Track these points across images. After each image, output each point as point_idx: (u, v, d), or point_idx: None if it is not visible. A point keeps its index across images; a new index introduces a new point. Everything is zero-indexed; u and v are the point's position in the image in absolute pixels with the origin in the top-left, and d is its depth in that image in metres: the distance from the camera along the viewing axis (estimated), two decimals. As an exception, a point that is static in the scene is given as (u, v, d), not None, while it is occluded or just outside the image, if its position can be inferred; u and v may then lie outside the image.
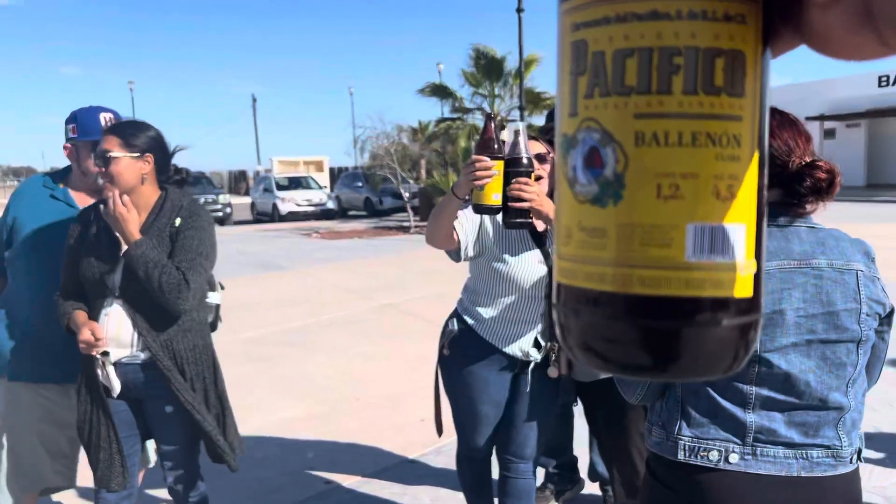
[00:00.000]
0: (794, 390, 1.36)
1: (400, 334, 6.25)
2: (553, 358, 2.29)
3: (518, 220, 2.02)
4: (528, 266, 2.22)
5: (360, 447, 3.80)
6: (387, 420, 4.16)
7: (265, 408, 4.45)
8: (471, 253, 2.24)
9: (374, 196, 21.67)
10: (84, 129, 2.37)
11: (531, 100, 16.45)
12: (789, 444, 1.37)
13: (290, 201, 21.62)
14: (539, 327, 2.28)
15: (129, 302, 2.13)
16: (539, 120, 16.55)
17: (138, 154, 2.13)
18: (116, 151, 2.10)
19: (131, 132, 2.15)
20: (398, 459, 3.62)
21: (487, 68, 17.17)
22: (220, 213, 20.65)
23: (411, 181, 18.20)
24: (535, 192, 1.98)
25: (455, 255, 2.25)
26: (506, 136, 16.74)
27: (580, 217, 0.34)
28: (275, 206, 21.76)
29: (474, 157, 1.97)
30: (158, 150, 2.20)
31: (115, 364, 2.15)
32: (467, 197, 2.06)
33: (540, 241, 2.25)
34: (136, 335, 2.13)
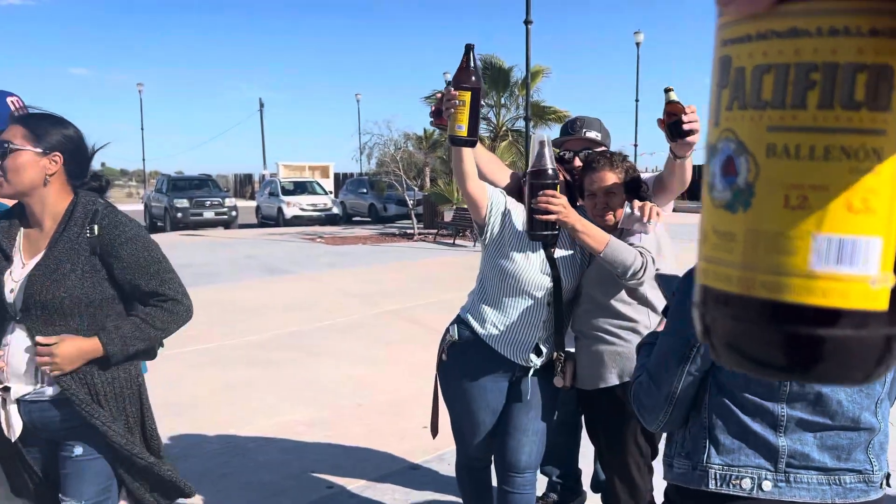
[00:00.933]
0: (826, 410, 1.31)
1: (404, 341, 6.29)
2: (559, 367, 2.32)
3: (544, 233, 2.04)
4: (534, 268, 2.26)
5: (363, 452, 3.84)
6: (390, 426, 4.20)
7: (269, 411, 4.49)
8: (494, 230, 2.27)
9: (379, 202, 21.73)
10: None
11: (536, 112, 16.49)
12: (822, 470, 1.32)
13: (294, 206, 21.68)
14: (541, 334, 2.31)
15: (31, 328, 1.84)
16: (546, 132, 16.61)
17: (43, 151, 1.85)
18: (18, 143, 1.83)
19: (42, 126, 1.87)
20: (401, 465, 3.66)
21: (494, 78, 17.24)
22: (226, 216, 20.72)
23: (416, 188, 18.25)
24: (561, 205, 2.01)
25: (480, 227, 2.29)
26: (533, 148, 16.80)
27: (714, 221, 0.36)
28: (280, 211, 21.83)
29: (445, 87, 2.03)
30: (71, 150, 1.91)
31: (18, 401, 1.87)
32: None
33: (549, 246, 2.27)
34: (39, 367, 1.84)
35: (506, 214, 2.29)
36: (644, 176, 2.51)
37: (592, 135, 2.61)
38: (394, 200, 20.79)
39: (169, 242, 15.69)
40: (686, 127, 2.10)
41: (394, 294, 8.72)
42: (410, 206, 17.63)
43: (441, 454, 3.73)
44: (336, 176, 37.52)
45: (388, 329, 6.83)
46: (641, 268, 2.10)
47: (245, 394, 4.88)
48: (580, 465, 3.14)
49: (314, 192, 23.10)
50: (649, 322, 2.28)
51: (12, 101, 1.97)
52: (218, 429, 4.15)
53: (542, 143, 2.07)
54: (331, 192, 26.22)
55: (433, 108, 2.23)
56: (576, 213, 2.09)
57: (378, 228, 19.53)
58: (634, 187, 2.31)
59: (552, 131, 16.63)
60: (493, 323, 2.30)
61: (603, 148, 2.60)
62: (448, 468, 3.51)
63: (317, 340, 6.41)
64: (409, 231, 17.53)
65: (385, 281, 9.85)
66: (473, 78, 2.02)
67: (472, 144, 2.09)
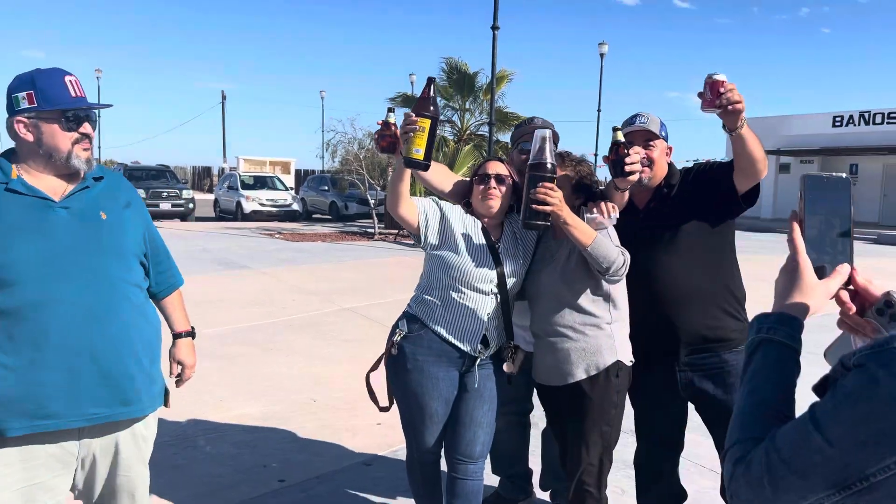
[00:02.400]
0: None
1: (359, 338, 6.29)
2: (510, 354, 2.42)
3: (538, 222, 2.18)
4: (478, 263, 2.37)
5: (315, 447, 3.84)
6: (343, 422, 4.21)
7: (222, 405, 4.46)
8: (432, 239, 2.39)
9: (340, 201, 21.62)
10: (47, 96, 1.85)
11: (499, 118, 16.65)
12: None
13: (254, 200, 21.42)
14: (488, 325, 2.40)
15: None
16: (505, 137, 16.73)
17: None
18: None
19: None
20: (354, 461, 3.68)
21: (459, 83, 17.36)
22: (183, 208, 20.38)
23: (378, 188, 18.24)
24: (558, 198, 2.14)
25: (416, 238, 2.41)
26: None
27: None
28: (238, 205, 21.54)
29: (406, 112, 2.14)
30: None
31: None
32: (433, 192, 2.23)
33: (493, 242, 2.41)
34: None
35: (443, 218, 2.40)
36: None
37: (546, 126, 2.73)
38: (355, 199, 20.71)
39: (122, 232, 15.33)
40: (627, 168, 2.23)
41: (351, 292, 8.71)
42: (372, 205, 17.60)
43: (394, 450, 3.76)
44: (297, 172, 37.15)
45: (345, 327, 6.82)
46: (623, 265, 2.23)
47: (196, 387, 4.81)
48: (530, 465, 3.21)
49: (274, 188, 22.87)
50: (610, 317, 2.37)
51: (70, 81, 1.89)
52: (168, 421, 4.10)
53: (543, 139, 2.18)
54: (291, 189, 25.96)
55: (376, 134, 2.36)
56: (568, 208, 2.20)
57: (338, 226, 19.43)
58: (587, 187, 2.40)
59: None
60: (442, 315, 2.38)
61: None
62: (400, 464, 3.54)
63: (271, 336, 6.37)
64: (369, 230, 17.49)
65: (343, 279, 9.82)
66: (433, 108, 2.15)
67: (426, 168, 2.23)
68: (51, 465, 1.88)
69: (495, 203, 2.40)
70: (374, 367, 2.61)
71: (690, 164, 2.73)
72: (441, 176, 2.66)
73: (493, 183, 2.40)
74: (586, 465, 2.38)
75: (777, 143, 24.18)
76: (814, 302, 0.97)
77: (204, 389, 4.75)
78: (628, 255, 2.26)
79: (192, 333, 2.33)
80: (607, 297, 2.37)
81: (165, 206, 19.99)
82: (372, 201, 17.63)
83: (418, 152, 2.14)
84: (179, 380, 2.31)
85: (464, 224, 2.41)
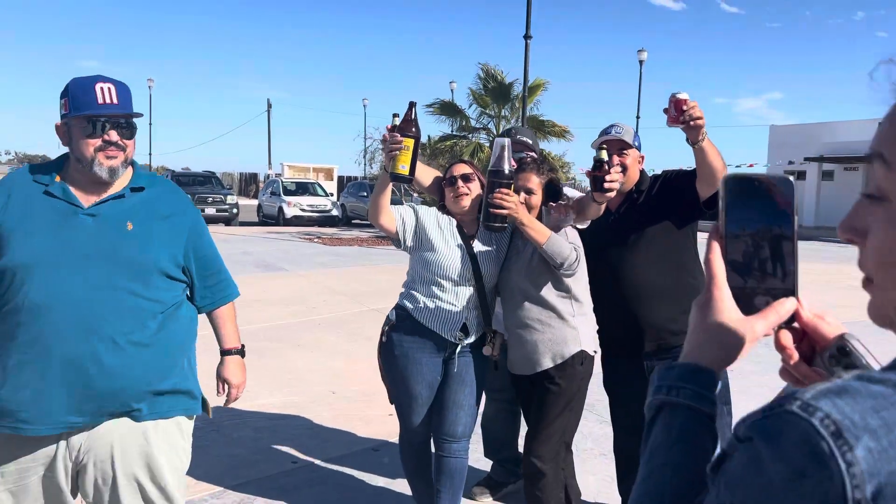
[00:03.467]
0: None
1: (383, 338, 6.57)
2: (489, 339, 2.67)
3: (496, 224, 2.43)
4: (454, 257, 2.61)
5: (328, 434, 4.12)
6: (358, 412, 4.48)
7: (247, 394, 4.73)
8: (409, 242, 2.64)
9: (379, 206, 22.03)
10: (77, 102, 1.87)
11: (535, 125, 16.81)
12: None
13: (295, 206, 22.01)
14: (467, 314, 2.65)
15: None
16: (545, 145, 16.91)
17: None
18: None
19: None
20: (363, 446, 3.95)
21: (495, 91, 17.57)
22: (227, 213, 21.06)
23: (415, 194, 18.57)
24: (514, 202, 2.39)
25: (396, 242, 2.67)
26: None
27: None
28: (280, 210, 22.16)
29: (390, 132, 2.39)
30: None
31: None
32: (411, 193, 2.48)
33: (467, 239, 2.66)
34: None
35: (418, 221, 2.66)
36: (570, 191, 2.84)
37: (525, 139, 3.04)
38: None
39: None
40: (606, 185, 2.43)
41: (381, 294, 9.00)
42: (408, 211, 17.93)
43: (401, 438, 4.01)
44: (340, 178, 37.88)
45: (371, 326, 7.11)
46: (575, 260, 2.46)
47: (226, 378, 5.16)
48: (521, 451, 3.43)
49: (315, 194, 23.44)
50: (571, 309, 2.60)
51: (101, 88, 1.87)
52: (197, 407, 4.44)
53: (502, 147, 2.44)
54: (332, 194, 26.54)
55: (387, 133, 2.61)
56: (524, 210, 2.46)
57: (376, 231, 19.82)
58: (553, 192, 2.63)
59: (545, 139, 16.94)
60: (425, 305, 2.63)
61: (532, 153, 2.97)
62: (405, 451, 3.79)
63: (300, 333, 6.70)
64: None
65: (374, 281, 10.13)
66: (415, 129, 2.42)
67: (411, 182, 2.51)
68: (38, 468, 1.88)
69: (466, 201, 2.65)
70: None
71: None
72: (425, 171, 2.97)
73: (460, 183, 2.65)
74: (541, 447, 2.61)
75: (820, 150, 23.79)
76: (734, 347, 0.70)
77: (232, 380, 5.09)
78: (581, 252, 2.49)
79: (241, 352, 2.28)
80: (569, 293, 2.60)
81: (210, 210, 20.70)
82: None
83: (404, 168, 2.40)
84: (228, 398, 2.30)
85: (438, 224, 2.67)
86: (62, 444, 1.89)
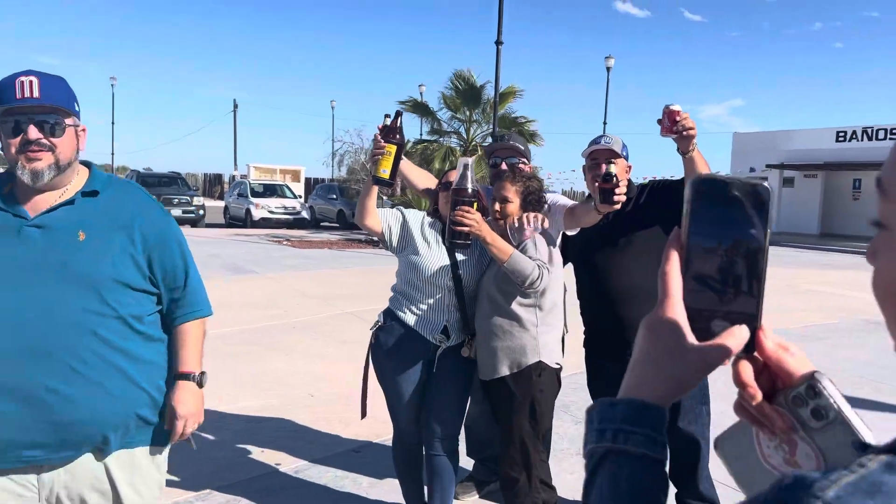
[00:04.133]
0: None
1: (357, 340, 6.59)
2: (467, 341, 2.76)
3: (458, 241, 2.48)
4: (437, 263, 2.71)
5: (309, 436, 4.16)
6: (337, 415, 4.52)
7: (226, 398, 4.78)
8: (395, 244, 2.73)
9: (348, 209, 21.99)
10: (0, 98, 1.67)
11: (506, 125, 16.96)
12: None
13: (263, 208, 21.85)
14: (448, 317, 2.74)
15: None
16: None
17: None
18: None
19: None
20: (344, 448, 3.99)
21: (466, 95, 17.69)
22: (193, 215, 20.84)
23: (385, 197, 18.59)
24: (474, 220, 2.45)
25: (383, 242, 2.75)
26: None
27: None
28: (248, 212, 21.97)
29: (375, 137, 2.50)
30: None
31: None
32: (381, 196, 2.59)
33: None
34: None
35: (405, 225, 2.74)
36: (560, 199, 2.93)
37: (517, 143, 3.14)
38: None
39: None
40: (615, 199, 2.49)
41: (353, 297, 9.03)
42: (378, 214, 17.95)
43: (383, 439, 4.07)
44: (307, 180, 37.65)
45: (345, 329, 7.14)
46: (538, 278, 2.54)
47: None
48: (503, 451, 3.51)
49: (283, 196, 23.29)
50: (535, 319, 2.68)
51: (22, 82, 1.66)
52: (175, 411, 4.43)
53: (465, 166, 2.51)
54: (300, 196, 26.39)
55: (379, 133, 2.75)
56: (487, 227, 2.53)
57: (345, 234, 19.80)
58: (534, 202, 2.72)
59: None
60: (410, 308, 2.74)
61: (524, 159, 3.08)
62: (387, 451, 3.84)
63: (274, 337, 6.70)
64: (375, 238, 17.79)
65: (346, 284, 10.15)
66: (398, 136, 2.52)
67: (391, 185, 2.61)
68: (7, 499, 1.72)
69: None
70: (367, 368, 2.93)
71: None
72: (424, 177, 3.16)
73: None
74: (511, 453, 2.70)
75: (780, 157, 24.44)
76: (685, 380, 0.60)
77: (210, 385, 5.05)
78: (546, 270, 2.56)
79: (198, 379, 1.96)
80: (535, 303, 2.68)
81: (176, 212, 20.44)
82: (378, 210, 17.98)
83: (385, 172, 2.52)
84: (173, 433, 1.91)
85: (424, 228, 2.76)
86: (30, 478, 1.73)
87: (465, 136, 19.09)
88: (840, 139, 23.57)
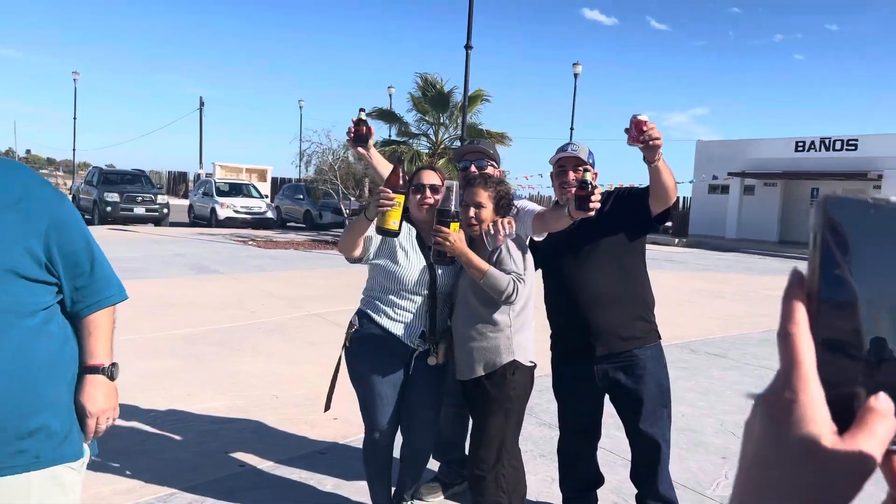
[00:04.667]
0: None
1: (324, 341, 6.59)
2: (433, 349, 2.80)
3: (441, 258, 2.66)
4: (415, 270, 2.76)
5: (275, 437, 4.14)
6: (303, 416, 4.52)
7: (190, 399, 4.74)
8: (372, 254, 2.78)
9: (315, 210, 21.87)
10: None
11: (473, 134, 17.06)
12: None
13: (228, 207, 21.60)
14: (424, 322, 2.79)
15: None
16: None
17: None
18: None
19: None
20: (309, 450, 3.99)
21: (434, 99, 17.74)
22: (157, 213, 20.52)
23: (353, 198, 18.53)
24: (451, 239, 2.60)
25: (356, 260, 2.77)
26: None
27: None
28: (213, 211, 21.70)
29: (382, 188, 2.50)
30: None
31: None
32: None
33: (426, 249, 2.80)
34: None
35: (383, 240, 2.78)
36: (528, 204, 2.99)
37: (486, 147, 3.19)
38: (330, 209, 20.99)
39: (97, 236, 15.40)
40: (591, 205, 2.53)
41: (320, 298, 9.00)
42: (346, 214, 17.90)
43: (348, 440, 4.08)
44: (274, 180, 37.28)
45: (311, 330, 7.12)
46: (513, 292, 2.64)
47: (166, 382, 5.10)
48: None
49: (249, 195, 23.06)
50: (509, 320, 2.75)
51: None
52: (137, 412, 4.38)
53: (449, 189, 2.63)
54: (267, 196, 26.15)
55: (350, 132, 2.85)
56: (462, 247, 2.62)
57: (312, 235, 19.68)
58: (505, 206, 2.78)
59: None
60: (386, 313, 2.78)
61: (493, 162, 3.13)
62: (353, 454, 3.86)
63: (240, 337, 6.65)
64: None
65: (313, 285, 10.10)
66: (403, 185, 2.57)
67: (397, 236, 2.65)
68: None
69: (431, 211, 2.78)
70: (338, 368, 2.95)
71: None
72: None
73: (428, 192, 2.79)
74: (480, 453, 2.76)
75: (742, 165, 25.00)
76: (839, 483, 0.39)
77: (173, 385, 5.03)
78: (521, 283, 2.66)
79: (109, 372, 1.77)
80: (508, 305, 2.74)
81: (140, 210, 20.13)
82: (346, 211, 17.92)
83: (394, 224, 2.55)
84: (85, 432, 1.73)
85: (401, 237, 2.78)
86: None
87: (433, 138, 19.15)
88: (799, 149, 24.19)
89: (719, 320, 8.77)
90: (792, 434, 0.40)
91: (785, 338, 0.42)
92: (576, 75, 27.38)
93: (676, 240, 23.68)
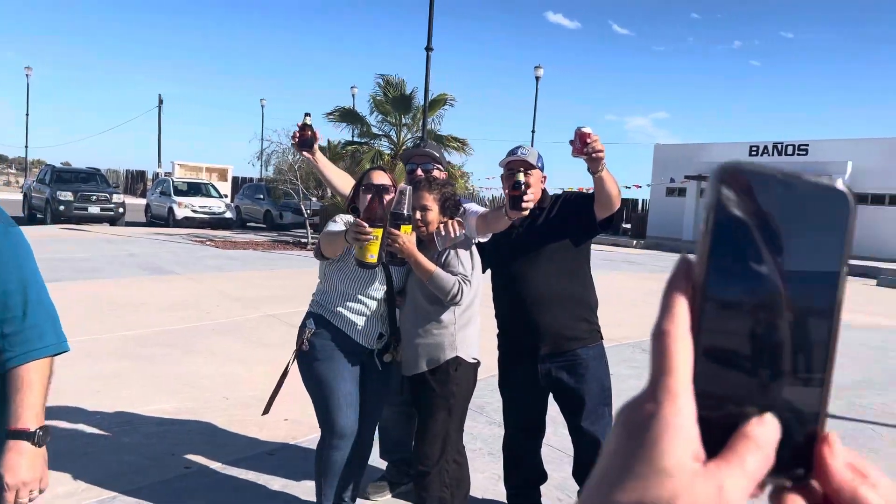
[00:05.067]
0: None
1: (278, 343, 6.55)
2: (392, 347, 2.90)
3: (390, 259, 2.72)
4: (375, 275, 2.82)
5: (223, 439, 4.12)
6: (252, 418, 4.49)
7: (137, 400, 4.68)
8: (338, 260, 2.84)
9: (275, 209, 21.67)
10: None
11: (435, 139, 17.12)
12: None
13: (186, 207, 21.28)
14: (381, 324, 2.87)
15: None
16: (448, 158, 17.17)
17: None
18: None
19: None
20: (257, 451, 3.98)
21: (396, 100, 17.75)
22: (112, 213, 20.10)
23: (313, 198, 18.42)
24: (400, 241, 2.65)
25: (327, 259, 2.84)
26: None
27: None
28: (170, 210, 21.35)
29: (358, 221, 2.55)
30: None
31: None
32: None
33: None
34: None
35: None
36: (473, 206, 3.04)
37: (432, 150, 3.24)
38: (290, 209, 20.81)
39: (48, 236, 15.12)
40: (523, 205, 2.59)
41: (277, 299, 8.94)
42: (307, 215, 17.78)
43: (298, 441, 4.08)
44: (235, 179, 36.83)
45: (265, 332, 7.07)
46: (458, 292, 2.72)
47: (115, 384, 5.03)
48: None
49: (208, 195, 22.74)
50: (453, 317, 2.82)
51: None
52: (83, 414, 4.31)
53: (402, 193, 2.67)
54: (227, 196, 25.83)
55: (295, 136, 2.93)
56: (412, 249, 2.68)
57: (272, 235, 19.50)
58: (451, 207, 2.84)
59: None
60: (342, 315, 2.83)
61: (438, 165, 3.18)
62: (302, 454, 3.86)
63: (192, 339, 6.58)
64: (303, 240, 17.65)
65: (271, 286, 10.01)
66: (381, 217, 2.60)
67: (375, 268, 2.67)
68: None
69: (380, 211, 2.78)
70: (286, 372, 2.97)
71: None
72: (345, 180, 3.24)
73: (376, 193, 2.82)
74: (424, 449, 2.82)
75: (699, 168, 25.54)
76: None
77: (121, 386, 4.96)
78: (467, 284, 2.74)
79: (35, 437, 1.52)
80: (453, 303, 2.81)
81: (94, 209, 19.70)
82: (307, 211, 17.80)
83: (372, 257, 2.56)
84: None
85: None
86: None
87: (395, 139, 19.15)
88: (753, 153, 24.82)
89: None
90: (643, 453, 0.32)
91: (658, 338, 0.34)
92: (537, 78, 27.64)
93: (635, 241, 24.06)
